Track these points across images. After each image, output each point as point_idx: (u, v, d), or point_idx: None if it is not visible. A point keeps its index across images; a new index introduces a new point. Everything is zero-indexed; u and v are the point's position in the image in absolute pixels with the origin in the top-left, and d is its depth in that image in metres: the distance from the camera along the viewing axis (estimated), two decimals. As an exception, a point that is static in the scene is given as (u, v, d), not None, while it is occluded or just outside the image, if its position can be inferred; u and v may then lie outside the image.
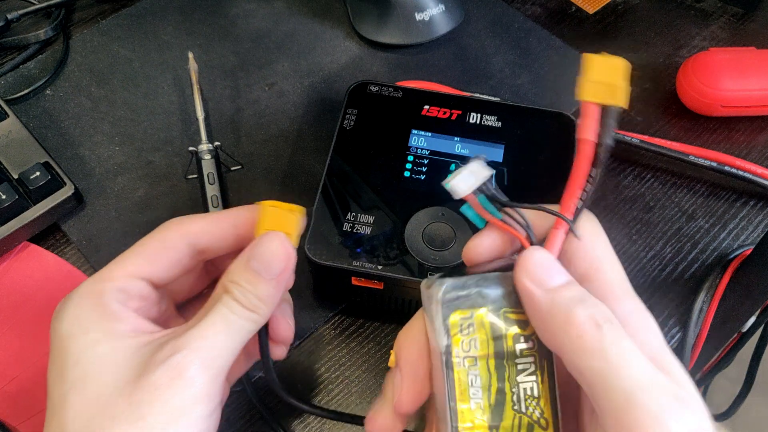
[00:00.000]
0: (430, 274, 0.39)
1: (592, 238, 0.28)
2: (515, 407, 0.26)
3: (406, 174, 0.43)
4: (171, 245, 0.32)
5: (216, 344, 0.29)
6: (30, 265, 0.45)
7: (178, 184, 0.49)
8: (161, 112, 0.52)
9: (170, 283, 0.33)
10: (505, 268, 0.28)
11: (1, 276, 0.45)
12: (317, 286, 0.44)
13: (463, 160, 0.44)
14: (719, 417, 0.74)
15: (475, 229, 0.29)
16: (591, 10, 0.59)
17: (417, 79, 0.53)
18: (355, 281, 0.40)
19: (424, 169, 0.43)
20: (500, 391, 0.26)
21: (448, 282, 0.27)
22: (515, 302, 0.27)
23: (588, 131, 0.23)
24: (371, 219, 0.41)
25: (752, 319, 0.50)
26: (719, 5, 0.59)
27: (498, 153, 0.44)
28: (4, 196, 0.44)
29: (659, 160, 0.50)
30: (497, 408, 0.26)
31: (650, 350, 0.25)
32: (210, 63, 0.55)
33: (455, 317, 0.27)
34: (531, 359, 0.27)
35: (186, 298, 0.36)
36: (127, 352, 0.29)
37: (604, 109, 0.24)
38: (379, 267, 0.39)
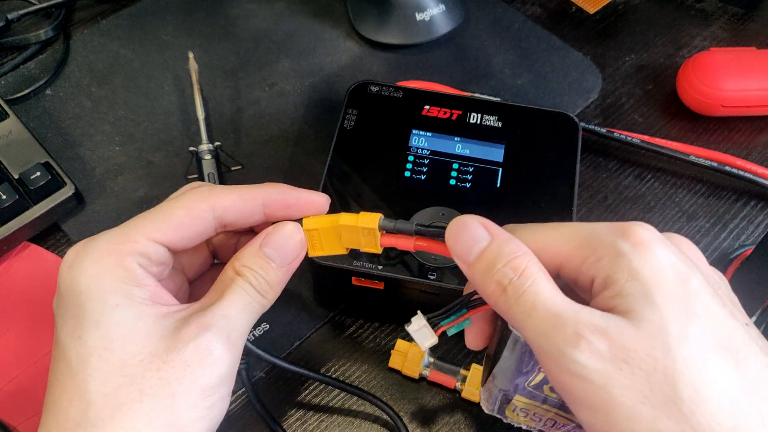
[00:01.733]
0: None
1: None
2: None
3: (407, 174, 0.43)
4: (198, 215, 0.31)
5: (237, 325, 0.29)
6: (30, 265, 0.45)
7: (178, 184, 0.48)
8: (161, 112, 0.52)
9: (186, 254, 0.33)
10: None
11: (1, 276, 0.45)
12: (317, 286, 0.44)
13: (464, 161, 0.44)
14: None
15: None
16: (591, 10, 0.59)
17: (417, 79, 0.53)
18: (355, 281, 0.40)
19: (425, 169, 0.43)
20: None
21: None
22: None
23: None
24: (371, 219, 0.41)
25: (753, 319, 0.50)
26: (719, 5, 0.59)
27: (498, 153, 0.44)
28: (4, 196, 0.44)
29: (660, 160, 0.50)
30: None
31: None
32: (210, 63, 0.55)
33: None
34: None
35: (197, 274, 0.36)
36: (148, 322, 0.28)
37: None
38: (380, 267, 0.39)
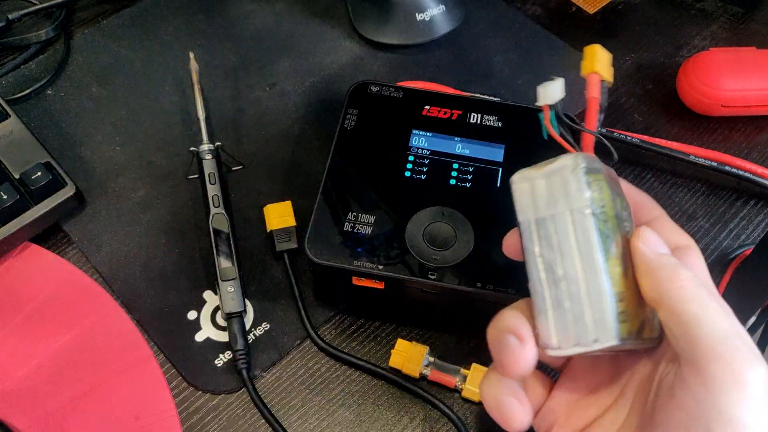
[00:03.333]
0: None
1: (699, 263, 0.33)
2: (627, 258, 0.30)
3: (407, 174, 0.43)
4: None
5: None
6: (31, 265, 0.45)
7: (179, 184, 0.49)
8: (162, 112, 0.52)
9: None
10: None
11: (1, 276, 0.45)
12: (318, 286, 0.44)
13: (464, 161, 0.44)
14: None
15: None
16: (591, 10, 0.59)
17: (418, 79, 0.53)
18: (355, 281, 0.40)
19: (425, 169, 0.43)
20: (624, 244, 0.30)
21: (582, 155, 0.31)
22: (614, 179, 0.32)
23: (594, 92, 0.33)
24: (372, 219, 0.41)
25: (753, 319, 0.50)
26: (719, 5, 0.59)
27: (498, 153, 0.44)
28: (5, 196, 0.44)
29: (659, 159, 0.50)
30: (624, 257, 0.30)
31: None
32: (211, 63, 0.55)
33: (591, 178, 0.30)
34: (628, 225, 0.31)
35: None
36: None
37: (602, 83, 0.33)
38: (380, 267, 0.39)
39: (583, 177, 0.29)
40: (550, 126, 0.33)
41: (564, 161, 0.30)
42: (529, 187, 0.31)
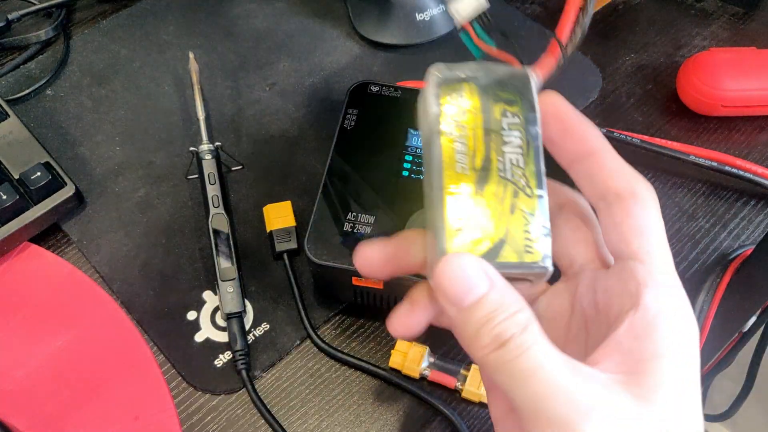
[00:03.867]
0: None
1: (643, 215, 0.27)
2: (501, 174, 0.27)
3: (405, 174, 0.43)
4: None
5: None
6: (30, 265, 0.45)
7: (178, 184, 0.49)
8: (162, 112, 0.52)
9: None
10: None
11: (1, 276, 0.45)
12: (317, 286, 0.44)
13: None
14: (719, 417, 0.74)
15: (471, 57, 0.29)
16: (591, 10, 0.59)
17: (417, 79, 0.53)
18: (355, 281, 0.40)
19: (424, 169, 0.43)
20: (486, 159, 0.27)
21: (443, 63, 0.29)
22: (506, 85, 0.28)
23: None
24: (372, 219, 0.41)
25: (753, 319, 0.50)
26: (720, 5, 0.59)
27: (498, 153, 0.44)
28: (5, 197, 0.44)
29: (660, 159, 0.50)
30: (483, 173, 0.27)
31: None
32: (211, 63, 0.55)
33: (446, 89, 0.28)
34: (517, 133, 0.28)
35: None
36: None
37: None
38: (380, 267, 0.39)
39: (432, 91, 0.28)
40: (481, 42, 0.30)
41: (431, 69, 0.29)
42: (420, 101, 0.29)
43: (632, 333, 0.25)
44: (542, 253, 0.26)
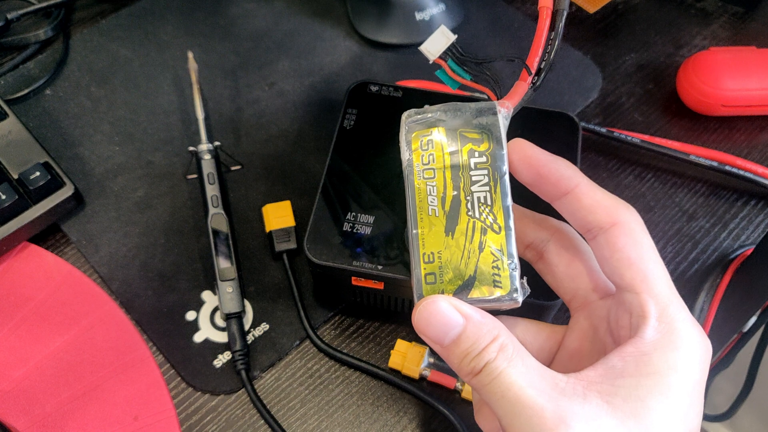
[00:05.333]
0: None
1: (629, 243, 0.28)
2: (469, 213, 0.29)
3: (406, 174, 0.43)
4: None
5: None
6: (30, 265, 0.45)
7: (178, 184, 0.49)
8: (161, 112, 0.52)
9: None
10: None
11: (1, 276, 0.45)
12: (317, 286, 0.44)
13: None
14: (719, 417, 0.74)
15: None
16: (591, 10, 0.59)
17: (417, 78, 0.53)
18: (355, 281, 0.40)
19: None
20: (455, 199, 0.29)
21: (414, 109, 0.31)
22: (472, 124, 0.30)
23: (547, 0, 0.30)
24: (371, 219, 0.41)
25: (753, 319, 0.50)
26: (720, 4, 0.59)
27: (498, 153, 0.44)
28: (4, 196, 0.44)
29: (660, 159, 0.50)
30: (452, 213, 0.29)
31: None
32: (210, 63, 0.55)
33: (417, 135, 0.30)
34: (485, 171, 0.30)
35: None
36: None
37: None
38: (380, 267, 0.39)
39: (404, 137, 0.30)
40: (456, 76, 0.31)
41: (402, 117, 0.31)
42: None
43: (624, 362, 0.27)
44: (511, 286, 0.28)
